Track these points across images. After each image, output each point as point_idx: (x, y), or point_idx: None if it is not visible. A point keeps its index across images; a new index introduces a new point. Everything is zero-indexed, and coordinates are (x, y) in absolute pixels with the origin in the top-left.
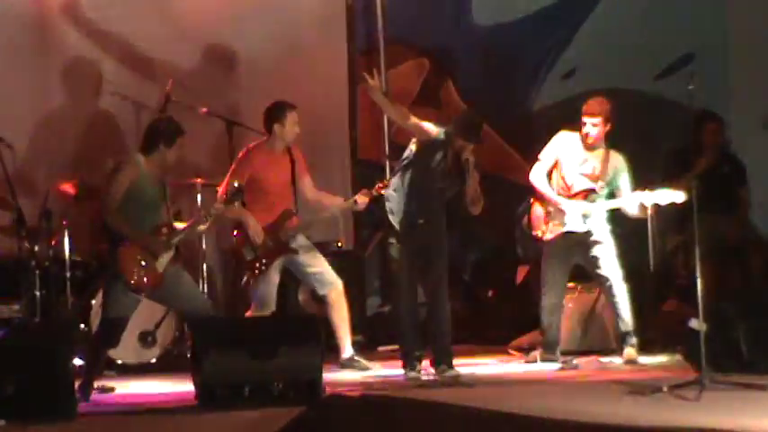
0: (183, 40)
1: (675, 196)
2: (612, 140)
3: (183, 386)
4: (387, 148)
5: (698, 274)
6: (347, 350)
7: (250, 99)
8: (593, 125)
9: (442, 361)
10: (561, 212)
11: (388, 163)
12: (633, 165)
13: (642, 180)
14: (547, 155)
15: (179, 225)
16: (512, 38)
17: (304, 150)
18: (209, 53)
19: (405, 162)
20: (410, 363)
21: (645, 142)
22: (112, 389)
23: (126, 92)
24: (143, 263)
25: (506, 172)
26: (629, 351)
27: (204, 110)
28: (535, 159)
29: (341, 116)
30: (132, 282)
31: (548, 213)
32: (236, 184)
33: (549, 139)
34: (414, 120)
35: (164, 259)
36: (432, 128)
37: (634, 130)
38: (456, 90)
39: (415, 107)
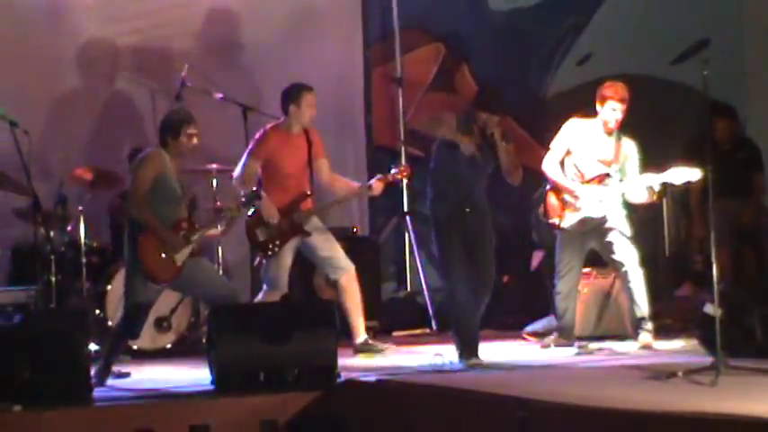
0: (198, 25)
1: (691, 174)
2: (626, 126)
3: (198, 372)
4: (402, 134)
5: (713, 258)
6: (361, 335)
7: (265, 84)
8: (621, 111)
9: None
10: (576, 199)
11: (403, 149)
12: (647, 151)
13: (656, 166)
14: (558, 144)
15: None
16: (527, 23)
17: (319, 135)
18: (225, 38)
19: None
20: (473, 351)
21: (659, 128)
22: (128, 374)
23: (141, 76)
24: (163, 255)
25: (521, 157)
26: (645, 336)
27: (219, 95)
28: (549, 145)
29: (356, 102)
30: (152, 272)
31: (563, 201)
32: (254, 188)
33: (563, 124)
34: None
35: (182, 254)
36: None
37: (648, 116)
38: (471, 75)
39: (430, 92)
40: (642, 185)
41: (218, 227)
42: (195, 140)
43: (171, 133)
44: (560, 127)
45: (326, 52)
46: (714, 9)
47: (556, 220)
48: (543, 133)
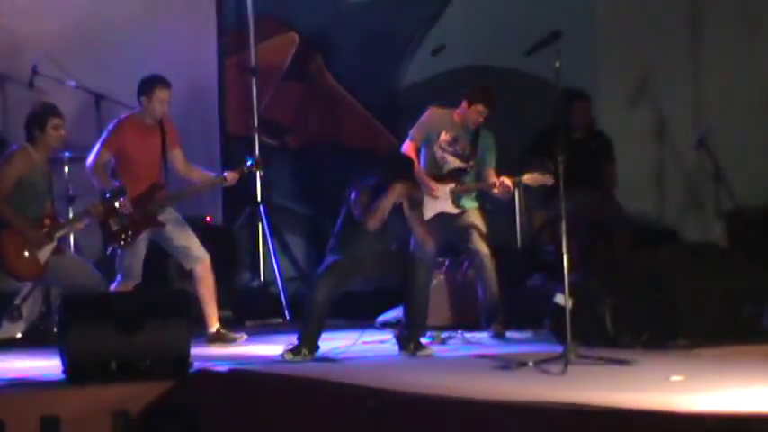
0: (51, 11)
1: (545, 180)
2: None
3: (49, 362)
4: (256, 123)
5: (564, 249)
6: (214, 324)
7: (119, 72)
8: (486, 117)
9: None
10: (432, 195)
11: (257, 137)
12: (503, 142)
13: (512, 158)
14: (417, 132)
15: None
16: (382, 13)
17: (174, 125)
18: (78, 24)
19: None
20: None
21: (514, 120)
22: None
23: None
24: (25, 252)
25: (376, 148)
26: (496, 326)
27: (72, 83)
28: (404, 135)
29: (210, 90)
30: (15, 270)
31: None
32: (116, 183)
33: (418, 115)
34: None
35: (45, 251)
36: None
37: (503, 107)
38: (325, 65)
39: (285, 82)
40: (504, 184)
41: (79, 224)
42: (62, 132)
43: (37, 127)
44: (415, 117)
45: (180, 40)
46: (567, 1)
47: None
48: (397, 123)
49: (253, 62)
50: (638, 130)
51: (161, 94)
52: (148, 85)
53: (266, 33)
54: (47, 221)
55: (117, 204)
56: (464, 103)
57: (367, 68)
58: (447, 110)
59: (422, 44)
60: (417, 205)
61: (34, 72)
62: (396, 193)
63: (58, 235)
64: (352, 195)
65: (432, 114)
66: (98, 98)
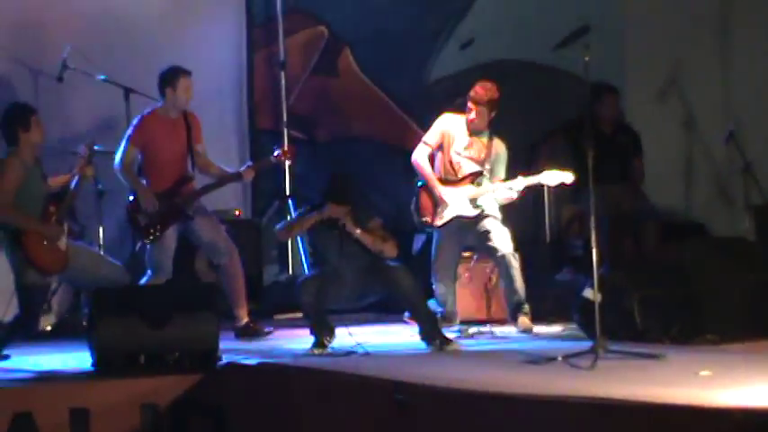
0: (81, 6)
1: (564, 177)
2: (510, 111)
3: (78, 354)
4: (285, 117)
5: (593, 243)
6: (243, 318)
7: (147, 66)
8: (478, 112)
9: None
10: (442, 203)
11: (286, 132)
12: (530, 136)
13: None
14: (431, 137)
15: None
16: (410, 6)
17: (201, 119)
18: (107, 19)
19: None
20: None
21: (542, 113)
22: (7, 356)
23: (23, 57)
24: (48, 247)
25: (404, 142)
26: (524, 320)
27: (101, 77)
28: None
29: (239, 85)
30: (45, 266)
31: (434, 202)
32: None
33: (447, 109)
34: None
35: (63, 239)
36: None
37: (531, 100)
38: (354, 59)
39: (313, 76)
40: (513, 188)
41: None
42: (41, 128)
43: (21, 127)
44: (444, 112)
45: (210, 34)
46: None
47: (428, 219)
48: (426, 117)
49: (282, 56)
50: (666, 124)
51: (185, 82)
52: (171, 76)
53: (295, 27)
54: (51, 209)
55: (139, 199)
56: (468, 105)
57: (395, 62)
58: (460, 114)
59: (450, 38)
60: (365, 222)
61: (64, 66)
62: (307, 223)
63: (63, 215)
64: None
65: (445, 119)
66: (127, 92)
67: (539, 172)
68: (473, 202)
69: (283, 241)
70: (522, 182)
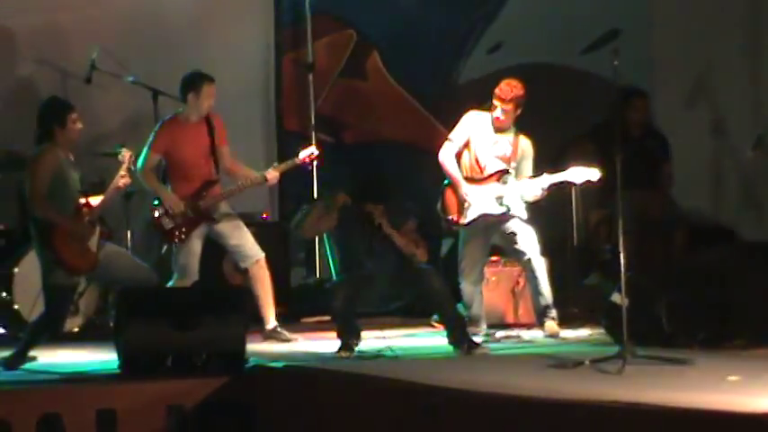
0: (108, 8)
1: (590, 174)
2: (537, 115)
3: (105, 356)
4: (312, 120)
5: (621, 248)
6: (271, 322)
7: (176, 68)
8: (504, 110)
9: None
10: (466, 202)
11: (313, 134)
12: (558, 139)
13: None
14: (457, 135)
15: (93, 201)
16: (439, 10)
17: (227, 121)
18: (136, 20)
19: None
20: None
21: (570, 117)
22: (35, 357)
23: (52, 59)
24: (77, 246)
25: (432, 146)
26: (551, 324)
27: (130, 78)
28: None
29: (267, 87)
30: (73, 265)
31: (460, 198)
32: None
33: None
34: None
35: (94, 239)
36: None
37: (559, 104)
38: (382, 62)
39: (341, 79)
40: (539, 185)
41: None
42: (80, 125)
43: (57, 123)
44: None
45: (238, 36)
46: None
47: (454, 217)
48: (454, 121)
49: (310, 58)
50: (695, 129)
51: (208, 89)
52: (196, 82)
53: (324, 30)
54: (83, 210)
55: (164, 203)
56: (493, 104)
57: (424, 66)
58: (485, 113)
59: (479, 42)
60: (400, 224)
61: (92, 67)
62: (341, 198)
63: (96, 217)
64: None
65: (470, 117)
66: (155, 93)
67: (565, 170)
68: (499, 200)
69: (309, 238)
70: (547, 179)
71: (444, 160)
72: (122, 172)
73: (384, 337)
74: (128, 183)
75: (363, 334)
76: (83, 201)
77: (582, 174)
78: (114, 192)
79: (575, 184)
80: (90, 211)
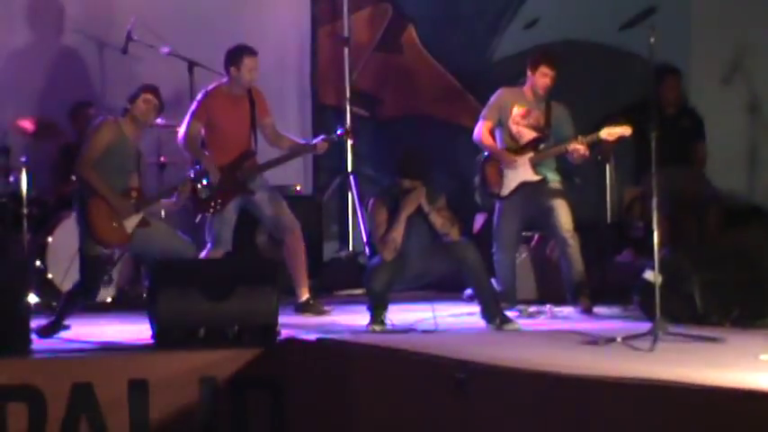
0: None
1: (622, 130)
2: (573, 92)
3: (138, 326)
4: (348, 93)
5: (654, 226)
6: (304, 294)
7: (211, 39)
8: (551, 77)
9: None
10: (513, 164)
11: (348, 108)
12: (592, 117)
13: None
14: (489, 113)
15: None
16: None
17: (263, 93)
18: None
19: None
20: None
21: (605, 94)
22: (68, 326)
23: (89, 30)
24: (112, 221)
25: (466, 120)
26: (583, 300)
27: (166, 49)
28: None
29: (302, 60)
30: (101, 236)
31: (499, 171)
32: (199, 166)
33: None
34: None
35: (131, 221)
36: None
37: (595, 82)
38: (417, 37)
39: (376, 53)
40: (582, 144)
41: (168, 200)
42: (152, 106)
43: (128, 99)
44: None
45: (274, 9)
46: None
47: (495, 190)
48: (488, 96)
49: (346, 32)
50: (730, 108)
51: (249, 62)
52: (236, 55)
53: (360, 3)
54: (133, 193)
55: (199, 186)
56: (528, 74)
57: (459, 41)
58: (515, 88)
59: (515, 17)
60: (435, 200)
61: (129, 38)
62: (404, 215)
63: (144, 208)
64: (369, 205)
65: (502, 93)
66: (191, 65)
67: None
68: (535, 168)
69: (392, 258)
70: (581, 139)
71: (480, 139)
72: (179, 201)
73: (433, 311)
74: (179, 208)
75: (396, 308)
76: (135, 185)
77: (614, 131)
78: (163, 205)
79: (609, 142)
80: (139, 198)
